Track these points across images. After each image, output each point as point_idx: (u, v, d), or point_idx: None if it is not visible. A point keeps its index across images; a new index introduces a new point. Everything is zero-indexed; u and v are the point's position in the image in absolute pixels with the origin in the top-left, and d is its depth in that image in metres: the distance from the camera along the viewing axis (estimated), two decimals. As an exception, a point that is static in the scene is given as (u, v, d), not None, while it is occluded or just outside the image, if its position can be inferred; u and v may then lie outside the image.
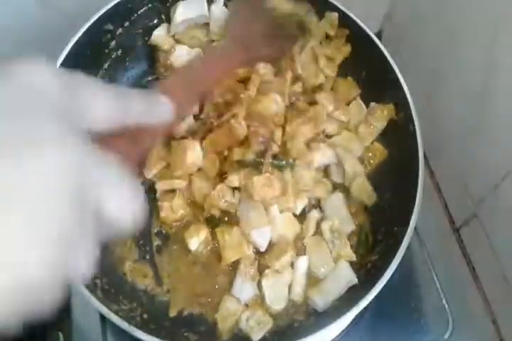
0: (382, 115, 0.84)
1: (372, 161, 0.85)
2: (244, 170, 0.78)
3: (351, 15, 0.86)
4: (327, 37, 0.90)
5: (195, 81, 0.61)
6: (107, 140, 0.39)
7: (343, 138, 0.85)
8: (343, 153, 0.83)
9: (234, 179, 0.78)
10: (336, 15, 0.89)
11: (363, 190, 0.82)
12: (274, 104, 0.81)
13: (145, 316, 0.73)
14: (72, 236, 0.32)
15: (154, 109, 0.45)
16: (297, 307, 0.77)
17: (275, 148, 0.79)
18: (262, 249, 0.77)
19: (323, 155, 0.82)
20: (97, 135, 0.37)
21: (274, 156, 0.79)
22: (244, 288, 0.76)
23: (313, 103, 0.86)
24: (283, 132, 0.81)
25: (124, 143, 0.44)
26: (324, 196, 0.82)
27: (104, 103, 0.38)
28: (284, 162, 0.79)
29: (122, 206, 0.35)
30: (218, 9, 0.89)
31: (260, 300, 0.76)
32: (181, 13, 0.88)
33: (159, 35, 0.90)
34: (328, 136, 0.86)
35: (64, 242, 0.31)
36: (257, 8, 0.77)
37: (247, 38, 0.72)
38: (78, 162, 0.32)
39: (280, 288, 0.76)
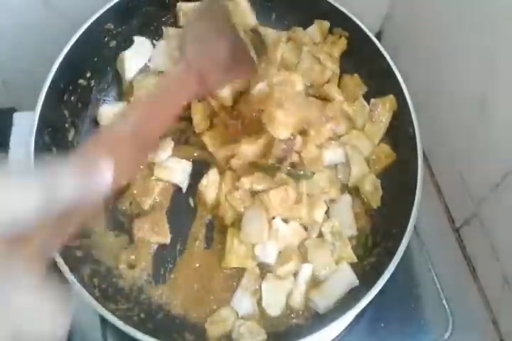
0: (384, 108, 0.84)
1: (378, 164, 0.85)
2: (257, 173, 0.77)
3: (351, 16, 0.87)
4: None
5: (144, 128, 0.54)
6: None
7: (352, 137, 0.85)
8: (352, 152, 0.83)
9: (246, 181, 0.77)
10: (327, 23, 0.90)
11: (374, 193, 0.82)
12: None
13: (142, 316, 0.73)
14: None
15: (90, 181, 0.39)
16: (297, 308, 0.76)
17: (295, 157, 0.78)
18: (272, 263, 0.76)
19: (334, 154, 0.83)
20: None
21: (292, 165, 0.78)
22: (243, 302, 0.75)
23: (323, 99, 0.86)
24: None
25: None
26: (337, 196, 0.82)
27: (22, 205, 0.33)
28: (302, 172, 0.78)
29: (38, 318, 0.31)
30: (164, 45, 0.87)
31: (258, 316, 0.75)
32: (130, 67, 0.86)
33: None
34: (338, 136, 0.86)
35: None
36: (219, 26, 0.66)
37: (205, 63, 0.63)
38: None
39: (279, 294, 0.75)
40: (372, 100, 0.86)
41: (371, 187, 0.82)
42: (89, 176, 0.39)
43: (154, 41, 0.90)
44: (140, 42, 0.88)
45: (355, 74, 0.89)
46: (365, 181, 0.82)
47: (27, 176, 0.35)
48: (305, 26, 0.92)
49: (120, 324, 0.66)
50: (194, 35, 0.67)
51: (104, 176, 0.39)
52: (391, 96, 0.84)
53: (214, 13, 0.68)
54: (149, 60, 0.89)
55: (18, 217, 0.33)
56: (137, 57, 0.87)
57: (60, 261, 0.67)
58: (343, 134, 0.86)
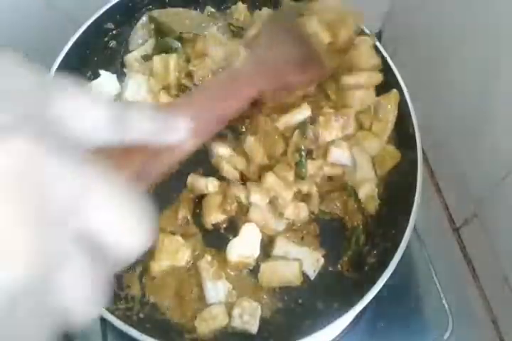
0: (390, 104, 0.82)
1: (383, 165, 0.83)
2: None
3: (351, 15, 0.86)
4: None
5: (215, 105, 0.53)
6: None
7: (359, 137, 0.84)
8: (359, 154, 0.82)
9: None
10: None
11: (370, 200, 0.82)
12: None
13: (141, 315, 0.73)
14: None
15: (165, 128, 0.38)
16: (297, 305, 0.76)
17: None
18: None
19: (341, 153, 0.82)
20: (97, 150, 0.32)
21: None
22: (215, 290, 0.74)
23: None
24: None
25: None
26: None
27: (91, 112, 0.32)
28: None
29: (122, 231, 0.29)
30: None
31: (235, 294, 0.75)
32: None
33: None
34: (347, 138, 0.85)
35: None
36: (294, 33, 0.68)
37: (274, 64, 0.64)
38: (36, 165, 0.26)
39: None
40: (376, 99, 0.85)
41: (367, 196, 0.81)
42: (164, 127, 0.37)
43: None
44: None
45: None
46: (361, 188, 0.82)
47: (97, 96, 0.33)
48: (305, 26, 0.92)
49: (119, 323, 0.66)
50: (268, 35, 0.69)
51: (181, 134, 0.39)
52: (394, 91, 0.82)
53: (288, 17, 0.70)
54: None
55: (87, 127, 0.31)
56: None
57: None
58: (352, 135, 0.84)
